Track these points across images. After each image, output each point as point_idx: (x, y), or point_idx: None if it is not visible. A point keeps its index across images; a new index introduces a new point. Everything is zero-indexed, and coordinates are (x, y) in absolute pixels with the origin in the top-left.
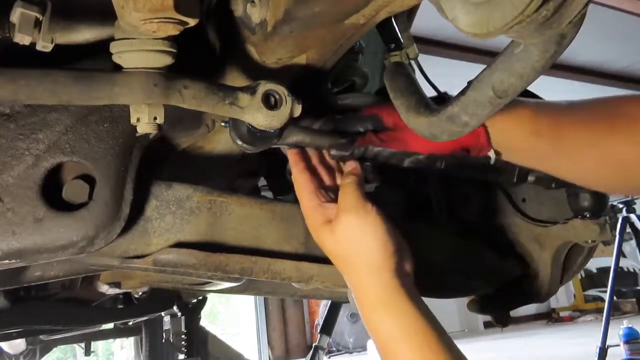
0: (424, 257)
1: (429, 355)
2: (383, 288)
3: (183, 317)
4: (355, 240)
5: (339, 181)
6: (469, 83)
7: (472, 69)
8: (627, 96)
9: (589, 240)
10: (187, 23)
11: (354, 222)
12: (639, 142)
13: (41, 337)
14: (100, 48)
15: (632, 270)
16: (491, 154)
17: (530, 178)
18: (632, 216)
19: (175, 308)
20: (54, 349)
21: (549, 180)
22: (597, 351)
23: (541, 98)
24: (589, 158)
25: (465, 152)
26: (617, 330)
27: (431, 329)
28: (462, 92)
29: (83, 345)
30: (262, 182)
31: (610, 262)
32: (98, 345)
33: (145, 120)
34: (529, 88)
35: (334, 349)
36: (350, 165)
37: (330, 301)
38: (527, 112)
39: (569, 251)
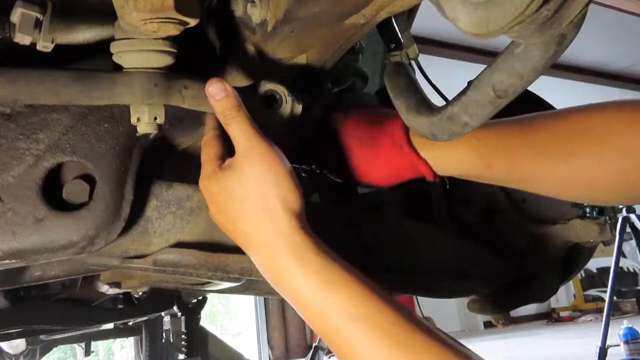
0: (424, 257)
1: (362, 299)
2: (296, 233)
3: (183, 317)
4: (256, 182)
5: None
6: (469, 83)
7: (472, 69)
8: (587, 108)
9: (590, 240)
10: (187, 23)
11: (254, 163)
12: (601, 160)
13: (41, 337)
14: (101, 48)
15: (632, 270)
16: (446, 179)
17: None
18: (632, 216)
19: (175, 308)
20: (54, 349)
21: None
22: (597, 351)
23: (541, 98)
24: (550, 182)
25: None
26: (617, 330)
27: (354, 274)
28: (463, 92)
29: (83, 345)
30: None
31: (610, 262)
32: (98, 345)
33: (145, 120)
34: (529, 88)
35: None
36: (221, 94)
37: None
38: (476, 145)
39: (568, 251)
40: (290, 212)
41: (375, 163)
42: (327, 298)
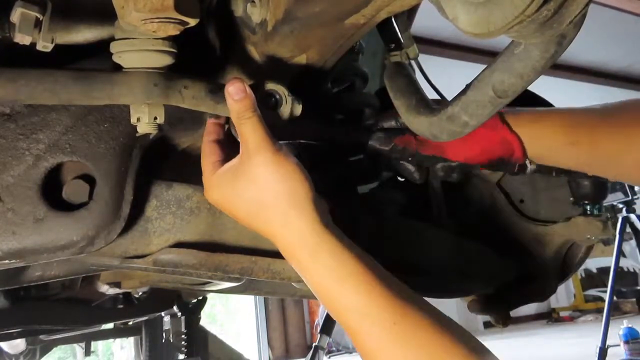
0: (424, 257)
1: (368, 296)
2: (309, 233)
3: (183, 317)
4: (267, 184)
5: None
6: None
7: (472, 69)
8: None
9: (592, 237)
10: (187, 23)
11: (262, 164)
12: None
13: (41, 337)
14: (101, 48)
15: (632, 270)
16: (528, 164)
17: (531, 167)
18: (632, 216)
19: (175, 308)
20: (54, 349)
21: (548, 169)
22: (597, 351)
23: (542, 97)
24: (627, 161)
25: (500, 161)
26: (617, 330)
27: (367, 269)
28: (463, 92)
29: (83, 345)
30: None
31: (610, 262)
32: (98, 345)
33: (145, 120)
34: (529, 88)
35: (334, 349)
36: (240, 94)
37: None
38: (563, 122)
39: (567, 250)
40: (302, 209)
41: (469, 139)
42: (338, 294)
